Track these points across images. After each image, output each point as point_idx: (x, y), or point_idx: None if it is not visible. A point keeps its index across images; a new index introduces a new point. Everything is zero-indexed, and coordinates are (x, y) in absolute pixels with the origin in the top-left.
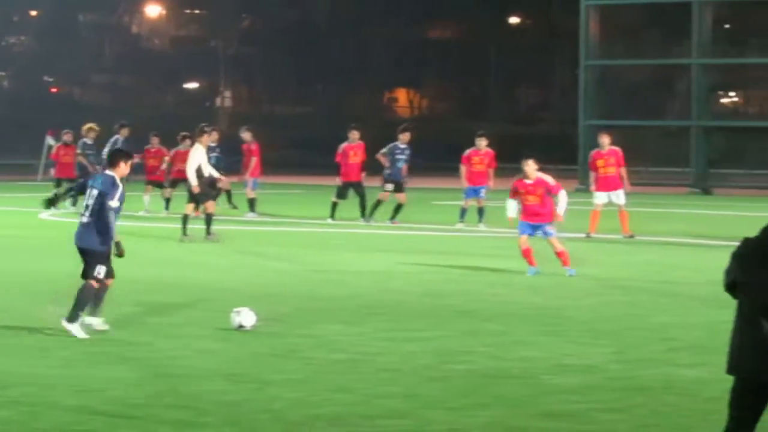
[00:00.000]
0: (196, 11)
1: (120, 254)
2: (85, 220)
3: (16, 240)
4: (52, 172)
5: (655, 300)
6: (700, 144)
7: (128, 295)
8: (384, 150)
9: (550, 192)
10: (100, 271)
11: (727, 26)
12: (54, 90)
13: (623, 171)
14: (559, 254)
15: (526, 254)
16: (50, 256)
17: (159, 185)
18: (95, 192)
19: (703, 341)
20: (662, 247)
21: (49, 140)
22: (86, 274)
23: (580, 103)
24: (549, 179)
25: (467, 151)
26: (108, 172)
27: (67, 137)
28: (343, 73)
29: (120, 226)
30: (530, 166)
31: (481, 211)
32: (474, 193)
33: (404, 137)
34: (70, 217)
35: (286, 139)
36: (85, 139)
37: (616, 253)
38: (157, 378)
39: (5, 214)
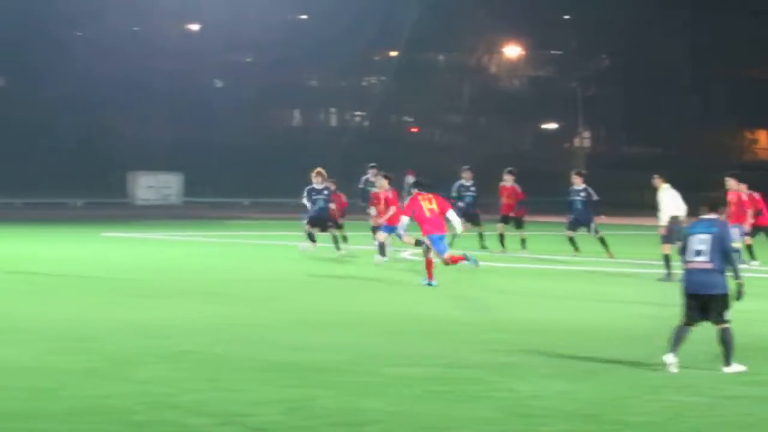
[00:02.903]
0: (553, 52)
1: (740, 296)
2: (708, 266)
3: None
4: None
5: None
6: None
7: (474, 335)
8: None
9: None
10: (729, 314)
11: None
12: (414, 130)
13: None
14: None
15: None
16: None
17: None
18: (708, 236)
19: None
20: None
21: (409, 179)
22: (720, 319)
23: None
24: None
25: None
26: (713, 216)
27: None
28: (698, 114)
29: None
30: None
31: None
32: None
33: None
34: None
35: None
36: (314, 185)
37: None
38: (515, 418)
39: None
